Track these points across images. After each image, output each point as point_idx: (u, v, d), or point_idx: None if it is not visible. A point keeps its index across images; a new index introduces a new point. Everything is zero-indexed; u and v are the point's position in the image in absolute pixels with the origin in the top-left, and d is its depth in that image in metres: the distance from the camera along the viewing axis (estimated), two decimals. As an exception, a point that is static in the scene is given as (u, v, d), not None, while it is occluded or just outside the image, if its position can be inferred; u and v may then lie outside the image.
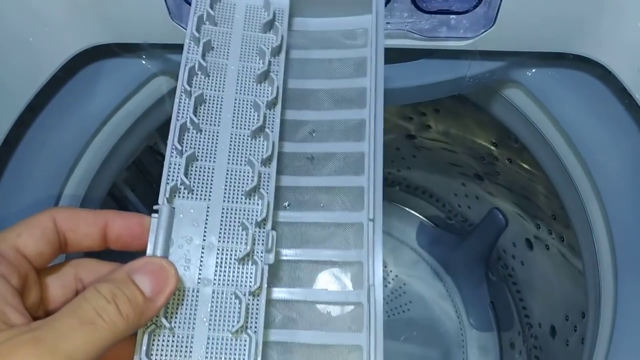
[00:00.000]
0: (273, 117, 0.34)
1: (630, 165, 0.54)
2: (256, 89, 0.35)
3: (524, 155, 0.77)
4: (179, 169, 0.32)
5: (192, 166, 0.33)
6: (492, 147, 0.85)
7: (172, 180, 0.32)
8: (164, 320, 0.28)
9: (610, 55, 0.51)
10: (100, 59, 0.58)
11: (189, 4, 0.50)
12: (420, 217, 1.18)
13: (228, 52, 0.36)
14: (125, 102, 0.59)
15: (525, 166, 0.80)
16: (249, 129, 0.34)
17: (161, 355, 0.28)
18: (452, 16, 0.54)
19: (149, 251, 0.29)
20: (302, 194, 0.34)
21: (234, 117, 0.34)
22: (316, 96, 0.37)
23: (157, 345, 0.28)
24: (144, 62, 0.60)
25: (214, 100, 0.35)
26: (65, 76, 0.55)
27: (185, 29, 0.49)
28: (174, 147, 0.32)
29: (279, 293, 0.32)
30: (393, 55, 0.58)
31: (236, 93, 0.35)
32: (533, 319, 0.91)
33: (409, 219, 1.19)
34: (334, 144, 0.36)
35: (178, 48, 0.48)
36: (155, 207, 0.31)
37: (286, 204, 0.35)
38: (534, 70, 0.60)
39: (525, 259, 0.92)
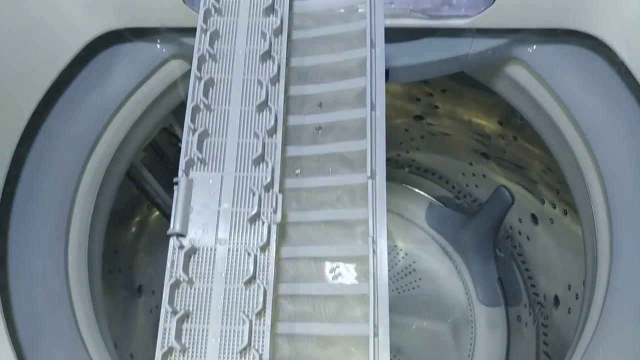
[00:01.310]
0: (276, 92, 0.37)
1: (628, 137, 0.56)
2: (261, 68, 0.38)
3: (528, 132, 0.79)
4: (192, 145, 0.35)
5: (205, 142, 0.36)
6: (498, 126, 0.87)
7: (187, 155, 0.35)
8: (184, 274, 0.32)
9: (608, 30, 0.53)
10: (116, 43, 0.61)
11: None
12: (430, 197, 1.20)
13: (235, 38, 0.39)
14: (141, 84, 0.61)
15: (530, 143, 0.81)
16: (254, 105, 0.37)
17: (183, 305, 0.32)
18: (453, -5, 0.56)
19: (172, 219, 0.33)
20: (311, 162, 0.37)
21: (242, 95, 0.37)
22: (320, 71, 0.40)
23: (179, 296, 0.32)
24: (158, 46, 0.62)
25: (223, 82, 0.38)
26: (83, 60, 0.58)
27: (197, 13, 0.52)
28: (188, 126, 0.35)
29: (290, 252, 0.35)
30: (397, 35, 0.60)
31: (244, 74, 0.38)
32: (539, 292, 0.93)
33: (418, 199, 1.20)
34: (339, 113, 0.38)
35: (191, 32, 0.52)
36: (175, 180, 0.34)
37: (297, 171, 0.37)
38: (534, 47, 0.61)
39: (531, 234, 0.94)
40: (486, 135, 0.91)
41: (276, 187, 0.34)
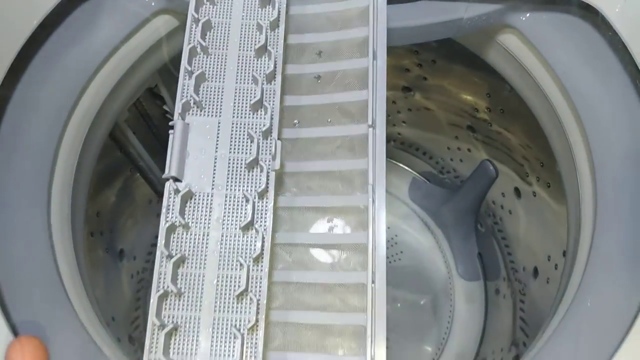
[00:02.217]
0: (276, 37, 0.36)
1: (615, 107, 0.57)
2: (260, 13, 0.37)
3: (516, 104, 0.80)
4: (189, 87, 0.34)
5: (202, 86, 0.35)
6: (486, 98, 0.87)
7: (184, 97, 0.34)
8: (180, 217, 0.31)
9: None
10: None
11: None
12: (413, 172, 1.20)
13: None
14: (127, 39, 0.59)
15: (517, 115, 0.82)
16: (253, 49, 0.35)
17: (179, 250, 0.31)
18: (449, -44, 0.55)
19: (167, 162, 0.32)
20: (310, 112, 0.36)
21: (240, 40, 0.36)
22: (320, 19, 0.39)
23: (175, 241, 0.31)
24: (147, -3, 0.60)
25: (221, 26, 0.37)
26: (66, 10, 0.56)
27: None
28: (185, 68, 0.34)
29: (287, 201, 0.35)
30: (393, -3, 0.59)
31: (242, 19, 0.37)
32: (518, 265, 0.95)
33: (402, 174, 1.21)
34: (339, 63, 0.37)
35: None
36: (170, 124, 0.33)
37: (296, 121, 0.37)
38: (528, 15, 0.61)
39: (513, 208, 0.95)
40: (473, 107, 0.91)
41: (275, 133, 0.33)
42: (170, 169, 0.32)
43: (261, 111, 0.34)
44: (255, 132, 0.33)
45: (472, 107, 0.91)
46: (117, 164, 0.83)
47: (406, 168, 1.21)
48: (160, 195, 0.97)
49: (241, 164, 0.33)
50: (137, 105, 0.80)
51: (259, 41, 0.35)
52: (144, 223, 0.94)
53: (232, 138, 0.34)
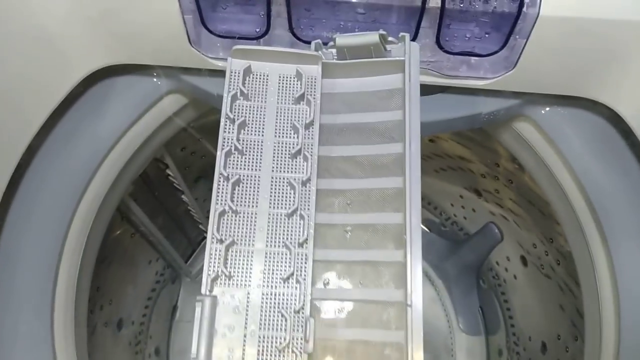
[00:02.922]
0: (308, 196, 0.34)
1: (632, 202, 0.57)
2: (291, 165, 0.35)
3: (525, 178, 0.79)
4: (219, 258, 0.32)
5: (230, 250, 0.33)
6: (495, 167, 0.86)
7: (213, 271, 0.32)
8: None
9: (621, 101, 0.53)
10: (112, 76, 0.57)
11: (209, 30, 0.50)
12: (415, 220, 1.19)
13: (263, 128, 0.35)
14: (137, 120, 0.58)
15: (525, 189, 0.81)
16: (285, 209, 0.34)
17: None
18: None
19: (194, 345, 0.30)
20: (340, 267, 0.34)
21: (271, 196, 0.34)
22: (349, 163, 0.37)
23: None
24: (155, 79, 0.59)
25: (250, 180, 0.35)
26: (77, 94, 0.54)
27: (204, 55, 0.49)
28: (213, 236, 0.32)
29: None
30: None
31: (272, 171, 0.35)
32: (519, 329, 0.94)
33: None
34: (370, 215, 0.36)
35: (193, 70, 0.52)
36: (198, 298, 0.31)
37: (326, 280, 0.35)
38: (547, 109, 0.61)
39: (518, 274, 0.94)
40: (481, 174, 0.90)
41: (307, 310, 0.31)
42: (199, 353, 0.30)
43: (293, 281, 0.32)
44: (288, 309, 0.32)
45: (479, 173, 0.90)
46: (116, 231, 0.80)
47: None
48: (160, 253, 0.95)
49: (271, 343, 0.31)
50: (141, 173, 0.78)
51: (291, 203, 0.33)
52: (142, 284, 0.91)
53: (262, 312, 0.32)
